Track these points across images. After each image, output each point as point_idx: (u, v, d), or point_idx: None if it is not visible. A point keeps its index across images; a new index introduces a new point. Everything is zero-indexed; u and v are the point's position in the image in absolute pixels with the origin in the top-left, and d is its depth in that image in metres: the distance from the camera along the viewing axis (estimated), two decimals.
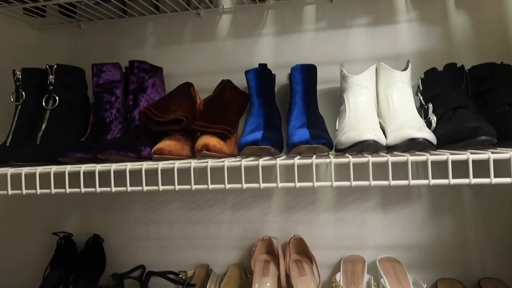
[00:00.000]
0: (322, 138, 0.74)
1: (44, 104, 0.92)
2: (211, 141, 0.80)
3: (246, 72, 0.89)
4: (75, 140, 0.90)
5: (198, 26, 1.05)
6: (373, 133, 0.70)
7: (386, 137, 0.77)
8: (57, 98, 0.92)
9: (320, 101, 0.96)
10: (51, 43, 1.12)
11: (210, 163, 0.66)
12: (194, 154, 0.85)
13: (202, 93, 1.02)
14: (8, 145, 0.89)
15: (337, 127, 0.84)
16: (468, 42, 0.93)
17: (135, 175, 0.81)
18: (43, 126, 0.90)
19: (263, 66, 0.94)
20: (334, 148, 0.79)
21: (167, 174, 0.84)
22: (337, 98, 0.96)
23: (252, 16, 1.02)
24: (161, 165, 0.68)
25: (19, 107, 0.94)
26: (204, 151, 0.78)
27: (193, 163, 0.67)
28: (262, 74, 0.88)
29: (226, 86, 0.93)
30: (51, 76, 0.93)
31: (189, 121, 0.83)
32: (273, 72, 0.97)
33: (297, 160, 0.64)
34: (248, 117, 0.88)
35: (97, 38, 1.09)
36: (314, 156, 0.68)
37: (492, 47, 0.92)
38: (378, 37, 0.97)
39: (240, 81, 0.98)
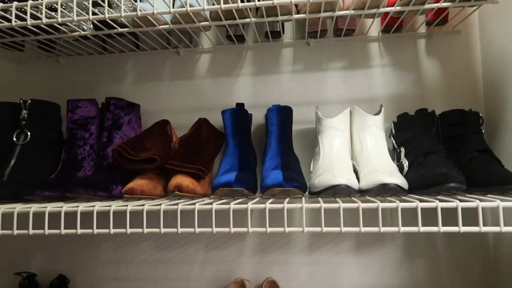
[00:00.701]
0: (295, 181, 0.74)
1: (15, 139, 0.89)
2: (184, 181, 0.79)
3: (223, 112, 0.90)
4: (45, 177, 0.88)
5: (177, 64, 1.06)
6: (345, 178, 0.71)
7: (359, 180, 0.77)
8: (28, 133, 0.90)
9: (296, 142, 0.96)
10: (28, 76, 1.11)
11: (181, 206, 0.65)
12: (167, 193, 0.84)
13: (179, 131, 1.02)
14: None
15: (311, 169, 0.84)
16: (439, 87, 0.97)
17: (104, 215, 0.79)
18: (12, 162, 0.87)
19: (240, 106, 0.95)
20: (308, 190, 0.79)
21: (137, 215, 0.81)
22: (313, 139, 0.97)
23: (231, 56, 1.04)
24: (130, 207, 0.66)
25: None
26: (176, 192, 0.77)
27: (163, 205, 0.66)
28: (239, 115, 0.89)
29: (202, 124, 0.93)
30: (24, 111, 0.91)
31: (162, 160, 0.82)
32: (250, 112, 0.97)
33: (268, 205, 0.64)
34: (223, 157, 0.87)
35: (76, 73, 1.09)
36: (286, 200, 0.67)
37: (461, 92, 0.96)
38: (353, 80, 0.99)
39: (217, 120, 0.99)
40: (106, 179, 0.83)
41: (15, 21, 0.78)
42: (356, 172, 0.81)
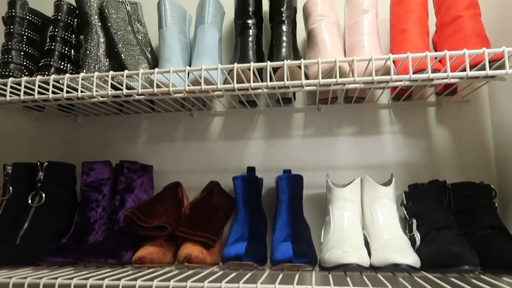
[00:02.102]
0: (305, 256, 0.73)
1: (30, 201, 0.91)
2: (194, 251, 0.79)
3: (234, 179, 0.91)
4: (58, 239, 0.88)
5: (191, 126, 1.08)
6: (356, 256, 0.70)
7: (370, 253, 0.76)
8: (43, 195, 0.92)
9: (306, 207, 0.96)
10: (47, 134, 1.15)
11: (189, 283, 0.65)
12: (176, 260, 0.84)
13: (190, 192, 1.03)
14: None
15: (322, 240, 0.84)
16: (449, 156, 0.97)
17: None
18: (26, 225, 0.89)
19: (251, 169, 0.96)
20: (318, 263, 0.78)
21: None
22: (323, 205, 0.97)
23: (243, 120, 1.06)
24: (139, 282, 0.66)
25: (4, 202, 0.93)
26: (187, 263, 0.77)
27: (172, 282, 0.66)
28: (250, 182, 0.90)
29: (213, 189, 0.94)
30: (40, 173, 0.93)
31: (173, 228, 0.83)
32: (260, 175, 0.99)
33: (278, 285, 0.63)
34: (234, 223, 0.88)
35: (92, 132, 1.12)
36: (296, 278, 0.67)
37: (472, 162, 0.96)
38: (363, 146, 1.00)
39: (229, 182, 1.00)
40: (117, 245, 0.84)
41: (38, 95, 0.82)
42: (367, 243, 0.81)
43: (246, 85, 0.73)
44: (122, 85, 0.83)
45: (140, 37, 1.02)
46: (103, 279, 0.68)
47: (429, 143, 0.98)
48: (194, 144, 1.07)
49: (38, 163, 0.95)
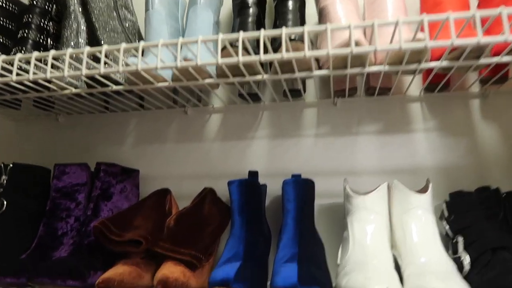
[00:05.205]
0: (314, 283, 0.55)
1: None
2: (174, 272, 0.62)
3: (229, 184, 0.74)
4: (18, 256, 0.73)
5: (184, 125, 0.93)
6: (383, 284, 0.51)
7: (402, 281, 0.57)
8: (5, 202, 0.77)
9: (320, 220, 0.78)
10: (26, 136, 1.02)
11: None
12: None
13: (183, 201, 0.86)
14: None
15: (338, 261, 0.66)
16: (499, 158, 0.78)
17: None
18: None
19: (253, 175, 0.79)
20: None
21: None
22: (341, 216, 0.79)
23: (245, 117, 0.90)
24: None
25: None
26: None
27: None
28: (248, 187, 0.73)
29: (205, 197, 0.78)
30: (3, 177, 0.79)
31: (149, 242, 0.66)
32: (265, 182, 0.82)
33: None
34: (229, 238, 0.70)
35: (75, 132, 0.99)
36: None
37: None
38: (389, 147, 0.82)
39: (227, 190, 0.83)
40: (83, 263, 0.68)
41: None
42: (397, 265, 0.62)
43: (233, 59, 0.57)
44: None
45: (127, 25, 0.89)
46: None
47: (473, 142, 0.79)
48: (188, 146, 0.92)
49: (2, 165, 0.81)
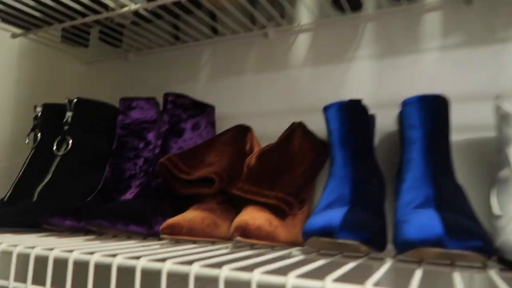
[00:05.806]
0: (472, 237, 0.35)
1: (55, 148, 0.70)
2: (257, 219, 0.47)
3: (325, 109, 0.56)
4: (84, 198, 0.65)
5: (266, 51, 0.76)
6: None
7: None
8: (70, 141, 0.69)
9: (456, 162, 0.57)
10: (98, 77, 0.94)
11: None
12: None
13: (266, 141, 0.70)
14: (5, 200, 0.68)
15: (495, 211, 0.44)
16: None
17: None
18: (47, 178, 0.67)
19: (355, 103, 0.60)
20: (495, 252, 0.39)
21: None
22: (486, 156, 0.56)
23: (341, 33, 0.70)
24: (169, 266, 0.36)
25: (32, 151, 0.73)
26: (239, 238, 0.45)
27: (225, 269, 0.34)
28: (352, 111, 0.54)
29: (294, 132, 0.61)
30: (68, 113, 0.71)
31: (224, 182, 0.52)
32: (371, 112, 0.62)
33: None
34: (327, 181, 0.53)
35: (146, 71, 0.88)
36: (456, 277, 0.30)
37: None
38: None
39: (320, 125, 0.66)
40: (149, 207, 0.56)
41: None
42: None
43: None
44: None
45: None
46: (114, 255, 0.39)
47: None
48: (270, 75, 0.75)
49: (67, 101, 0.73)
